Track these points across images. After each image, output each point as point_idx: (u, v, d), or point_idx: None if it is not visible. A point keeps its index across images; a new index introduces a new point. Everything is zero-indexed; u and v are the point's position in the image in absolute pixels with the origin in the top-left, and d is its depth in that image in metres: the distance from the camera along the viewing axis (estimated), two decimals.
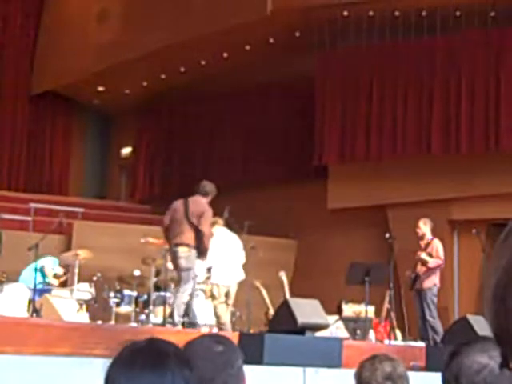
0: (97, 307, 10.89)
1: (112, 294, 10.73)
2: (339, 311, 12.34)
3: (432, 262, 11.08)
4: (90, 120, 20.90)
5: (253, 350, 6.85)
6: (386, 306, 11.54)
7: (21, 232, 14.74)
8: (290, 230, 16.11)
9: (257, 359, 6.94)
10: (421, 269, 11.14)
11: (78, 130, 20.73)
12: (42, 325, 7.50)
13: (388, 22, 14.16)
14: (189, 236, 9.62)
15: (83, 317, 10.16)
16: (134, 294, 10.92)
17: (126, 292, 10.92)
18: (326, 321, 8.30)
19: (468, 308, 12.63)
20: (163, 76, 17.27)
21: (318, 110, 15.19)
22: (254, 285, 11.70)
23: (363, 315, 11.49)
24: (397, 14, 14.07)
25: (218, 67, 16.19)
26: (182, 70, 16.84)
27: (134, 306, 10.75)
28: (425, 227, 11.33)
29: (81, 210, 17.07)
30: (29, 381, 5.77)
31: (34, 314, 9.47)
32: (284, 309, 7.89)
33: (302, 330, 7.73)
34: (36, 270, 10.14)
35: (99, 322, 9.71)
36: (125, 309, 10.79)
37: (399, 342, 11.18)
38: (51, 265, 11.42)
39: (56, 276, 11.40)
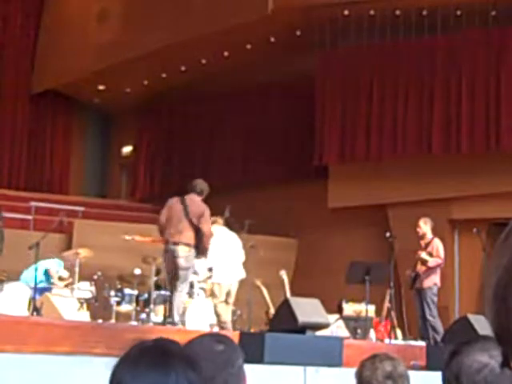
0: (97, 306, 10.90)
1: (112, 293, 10.73)
2: (340, 310, 12.35)
3: (432, 262, 11.09)
4: (90, 119, 20.91)
5: (253, 349, 6.85)
6: (387, 305, 11.54)
7: (21, 231, 14.75)
8: (291, 229, 16.11)
9: (257, 358, 6.95)
10: (421, 268, 11.14)
11: (79, 129, 20.73)
12: (43, 323, 7.50)
13: (389, 21, 14.16)
14: (188, 235, 9.61)
15: (84, 315, 10.16)
16: (135, 292, 10.92)
17: (127, 291, 10.92)
18: (326, 320, 8.31)
19: (468, 307, 12.63)
20: (164, 75, 17.27)
21: (319, 110, 15.19)
22: (255, 284, 11.71)
23: (364, 314, 11.50)
24: (398, 13, 14.07)
25: (218, 66, 16.20)
26: (183, 69, 16.84)
27: (134, 304, 10.75)
28: (425, 226, 11.33)
29: (81, 208, 17.10)
30: (29, 379, 5.77)
31: (35, 313, 9.47)
32: (284, 308, 7.89)
33: (302, 329, 7.74)
34: (36, 269, 10.13)
35: (100, 321, 9.71)
36: (125, 307, 10.80)
37: (400, 341, 11.18)
38: (56, 267, 11.41)
39: (61, 278, 11.38)
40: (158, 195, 18.17)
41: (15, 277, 10.90)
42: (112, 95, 18.71)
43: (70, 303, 10.30)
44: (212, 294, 10.92)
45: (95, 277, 11.23)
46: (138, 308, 10.79)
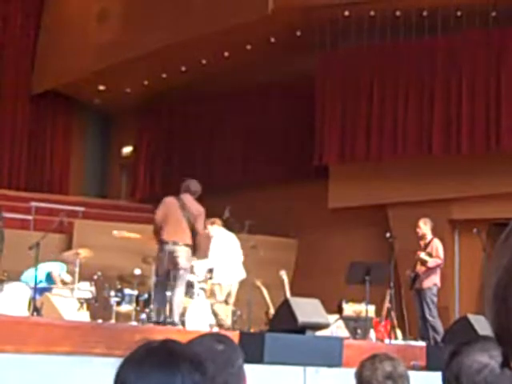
0: (97, 306, 10.90)
1: (112, 293, 10.73)
2: (340, 310, 12.35)
3: (431, 262, 11.09)
4: (90, 119, 20.91)
5: (253, 349, 6.86)
6: (387, 305, 11.54)
7: (22, 231, 14.76)
8: (291, 229, 16.12)
9: (257, 358, 6.95)
10: (420, 268, 11.15)
11: (79, 129, 20.73)
12: (43, 324, 7.50)
13: (389, 21, 14.16)
14: (188, 235, 9.60)
15: (84, 316, 10.17)
16: (135, 292, 10.92)
17: (127, 291, 10.92)
18: (326, 320, 8.31)
19: (469, 307, 12.62)
20: (164, 75, 17.27)
21: (319, 110, 15.18)
22: (255, 284, 11.71)
23: (364, 314, 11.50)
24: (398, 14, 14.07)
25: (218, 66, 16.19)
26: (183, 69, 16.83)
27: (134, 304, 10.75)
28: (425, 227, 11.34)
29: (81, 209, 17.10)
30: (29, 380, 5.77)
31: (35, 313, 9.47)
32: (284, 308, 7.89)
33: (302, 330, 7.74)
34: (37, 269, 10.13)
35: (100, 321, 9.71)
36: (125, 308, 10.80)
37: (400, 341, 11.18)
38: (58, 270, 11.41)
39: (63, 282, 11.38)
40: (158, 195, 18.11)
41: (15, 277, 10.90)
42: (112, 95, 18.71)
43: (69, 303, 10.30)
44: (212, 295, 10.93)
45: (95, 277, 11.24)
46: (138, 308, 10.79)
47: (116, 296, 10.72)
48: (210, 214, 11.19)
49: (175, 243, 9.51)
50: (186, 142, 18.22)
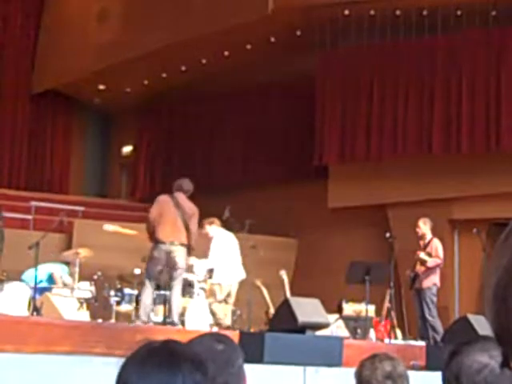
0: (97, 306, 10.90)
1: (112, 293, 10.73)
2: (339, 310, 12.35)
3: (431, 262, 11.09)
4: (90, 119, 20.91)
5: (253, 349, 6.86)
6: (387, 305, 11.54)
7: (21, 230, 14.76)
8: (291, 229, 16.12)
9: (257, 358, 6.95)
10: (420, 268, 11.14)
11: (79, 129, 20.74)
12: (43, 323, 7.50)
13: (389, 21, 14.16)
14: (183, 235, 9.59)
15: (84, 315, 10.16)
16: (135, 292, 10.91)
17: (127, 290, 10.92)
18: (326, 320, 8.31)
19: (468, 307, 12.63)
20: (164, 75, 17.27)
21: (319, 110, 15.19)
22: (255, 284, 11.71)
23: (363, 314, 11.50)
24: (398, 13, 14.07)
25: (218, 66, 16.19)
26: (183, 69, 16.84)
27: (134, 304, 10.74)
28: (425, 227, 11.33)
29: (81, 208, 17.10)
30: (29, 379, 5.77)
31: (35, 313, 9.47)
32: (284, 308, 7.89)
33: (302, 329, 7.74)
34: (37, 268, 10.13)
35: (100, 321, 9.72)
36: (125, 307, 10.79)
37: (399, 341, 11.18)
38: (60, 272, 11.40)
39: (64, 284, 11.37)
40: (158, 195, 18.13)
41: (15, 277, 10.89)
42: (112, 95, 18.71)
43: (69, 303, 10.30)
44: (212, 294, 10.93)
45: (95, 277, 11.23)
46: (138, 308, 10.78)
47: (116, 296, 10.72)
48: (210, 214, 11.20)
49: (172, 243, 9.49)
50: (186, 142, 18.22)
